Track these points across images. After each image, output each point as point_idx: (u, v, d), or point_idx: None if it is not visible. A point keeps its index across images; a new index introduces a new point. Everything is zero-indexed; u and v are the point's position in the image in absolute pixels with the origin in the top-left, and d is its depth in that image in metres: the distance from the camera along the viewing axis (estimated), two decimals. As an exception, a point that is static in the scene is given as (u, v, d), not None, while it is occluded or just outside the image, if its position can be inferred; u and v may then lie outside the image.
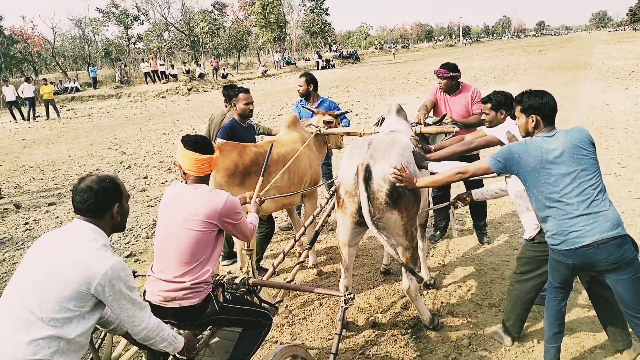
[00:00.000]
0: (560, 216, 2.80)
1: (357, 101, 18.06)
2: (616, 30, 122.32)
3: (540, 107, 2.98)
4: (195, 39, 44.08)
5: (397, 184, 3.30)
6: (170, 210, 2.74)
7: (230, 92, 5.55)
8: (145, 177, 9.39)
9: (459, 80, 5.18)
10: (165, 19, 45.05)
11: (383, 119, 4.61)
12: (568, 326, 3.66)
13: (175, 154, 2.94)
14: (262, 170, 3.69)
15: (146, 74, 33.44)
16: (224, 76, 35.87)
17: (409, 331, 3.87)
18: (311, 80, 5.80)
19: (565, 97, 14.26)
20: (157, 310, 2.65)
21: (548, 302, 3.19)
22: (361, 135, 4.79)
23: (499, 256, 5.11)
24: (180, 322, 2.74)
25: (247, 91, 4.95)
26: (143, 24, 46.94)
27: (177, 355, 2.62)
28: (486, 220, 5.57)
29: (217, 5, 52.81)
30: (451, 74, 5.06)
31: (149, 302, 2.68)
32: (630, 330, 3.21)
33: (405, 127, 4.21)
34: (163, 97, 27.23)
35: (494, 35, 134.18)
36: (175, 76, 33.59)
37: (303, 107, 5.72)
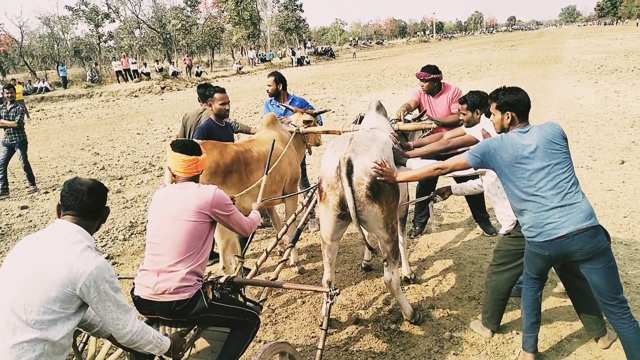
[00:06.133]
0: (536, 209, 2.89)
1: (334, 98, 18.09)
2: (585, 24, 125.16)
3: (515, 103, 3.06)
4: (168, 36, 43.50)
5: (378, 178, 3.37)
6: (161, 208, 2.81)
7: (206, 91, 5.50)
8: (120, 179, 9.23)
9: (440, 81, 5.23)
10: (137, 17, 44.32)
11: (362, 117, 4.68)
12: (545, 316, 3.74)
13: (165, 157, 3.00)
14: (266, 168, 3.96)
15: (118, 73, 32.86)
16: (198, 74, 35.46)
17: (391, 326, 3.90)
18: (280, 79, 5.75)
19: (538, 91, 14.52)
20: (146, 306, 2.69)
21: (525, 293, 3.26)
22: (340, 133, 4.84)
23: (477, 250, 5.19)
24: (169, 318, 2.71)
25: (223, 91, 4.90)
26: (114, 21, 46.12)
27: (163, 357, 2.62)
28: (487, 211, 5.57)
29: (189, 2, 52.17)
30: (432, 76, 5.12)
31: (138, 297, 2.71)
32: (604, 318, 3.30)
33: (385, 124, 4.26)
34: (136, 96, 26.79)
35: (467, 30, 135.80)
36: (148, 74, 33.06)
37: (283, 106, 5.68)
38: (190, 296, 2.65)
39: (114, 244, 6.18)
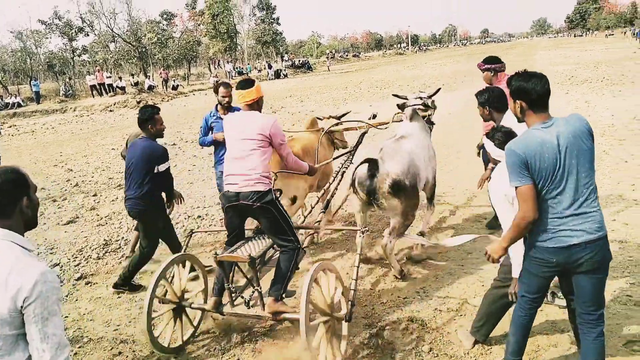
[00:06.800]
0: (552, 214, 2.72)
1: (312, 110, 18.14)
2: (555, 36, 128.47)
3: (526, 92, 2.77)
4: (144, 50, 43.16)
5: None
6: (234, 131, 3.81)
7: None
8: (94, 195, 9.06)
9: (498, 72, 5.35)
10: (112, 30, 43.85)
11: (374, 115, 5.79)
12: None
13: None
14: (354, 149, 5.63)
15: (92, 87, 32.44)
16: (175, 87, 35.26)
17: (372, 340, 3.88)
18: (231, 89, 5.85)
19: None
20: (232, 197, 3.69)
21: (516, 317, 3.13)
22: (356, 129, 5.86)
23: (454, 261, 5.21)
24: (247, 202, 3.64)
25: (159, 111, 5.00)
26: (88, 35, 45.57)
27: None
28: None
29: (165, 16, 52.00)
30: (485, 65, 5.25)
31: (227, 191, 3.73)
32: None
33: (418, 129, 5.17)
34: (111, 110, 26.45)
35: (441, 43, 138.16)
36: (123, 89, 32.72)
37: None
38: (264, 189, 3.66)
39: (87, 262, 6.03)
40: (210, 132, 5.84)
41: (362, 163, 4.53)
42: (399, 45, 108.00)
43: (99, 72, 33.73)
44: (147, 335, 3.73)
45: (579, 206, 2.69)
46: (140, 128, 4.97)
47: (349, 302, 3.65)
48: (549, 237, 2.73)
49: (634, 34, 48.15)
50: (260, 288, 3.76)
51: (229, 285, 3.87)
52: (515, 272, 3.18)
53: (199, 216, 7.40)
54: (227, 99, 5.77)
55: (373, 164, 4.37)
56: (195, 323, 4.17)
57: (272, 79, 42.43)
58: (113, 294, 5.07)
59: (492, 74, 5.38)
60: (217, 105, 5.89)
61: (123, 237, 6.75)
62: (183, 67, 50.80)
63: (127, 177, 4.94)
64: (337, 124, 5.93)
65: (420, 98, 5.51)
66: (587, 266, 2.73)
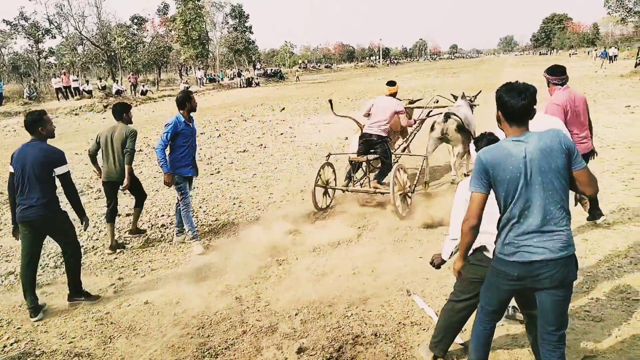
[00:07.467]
0: (517, 229, 2.72)
1: (282, 120, 18.10)
2: (521, 54, 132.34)
3: (502, 103, 2.73)
4: (113, 53, 42.40)
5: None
6: (381, 105, 7.30)
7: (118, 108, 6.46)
8: (55, 201, 8.75)
9: (550, 83, 5.45)
10: (80, 33, 42.98)
11: (437, 100, 9.52)
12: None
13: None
14: (424, 119, 8.50)
15: (58, 90, 31.61)
16: (143, 92, 34.63)
17: (334, 355, 3.84)
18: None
19: (477, 117, 15.04)
20: (368, 136, 7.30)
21: (476, 331, 3.15)
22: (424, 106, 9.13)
23: (420, 274, 5.19)
24: (374, 139, 7.22)
25: (46, 112, 5.07)
26: (55, 37, 44.54)
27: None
28: None
29: (135, 20, 51.26)
30: (544, 73, 5.53)
31: (366, 132, 7.35)
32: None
33: (464, 103, 8.78)
34: (76, 114, 25.71)
35: (412, 57, 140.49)
36: (90, 92, 32.01)
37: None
38: (385, 135, 7.28)
39: (43, 271, 5.81)
40: (170, 140, 6.01)
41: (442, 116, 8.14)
42: (370, 57, 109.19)
43: (65, 74, 32.94)
44: (313, 199, 7.15)
45: (544, 224, 2.68)
46: (30, 131, 4.81)
47: (414, 184, 7.43)
48: (512, 252, 2.74)
49: (597, 55, 49.84)
50: (369, 177, 7.54)
51: (353, 175, 7.58)
52: (443, 253, 3.58)
53: (163, 225, 7.24)
54: (196, 106, 6.29)
55: (447, 115, 8.01)
56: (332, 196, 7.82)
57: (243, 87, 42.25)
58: (69, 306, 4.89)
59: (546, 83, 5.58)
60: (181, 112, 6.10)
61: (82, 245, 6.52)
62: (153, 73, 50.10)
63: (22, 184, 4.67)
64: (411, 102, 10.16)
65: (467, 97, 9.18)
66: (547, 283, 2.72)
